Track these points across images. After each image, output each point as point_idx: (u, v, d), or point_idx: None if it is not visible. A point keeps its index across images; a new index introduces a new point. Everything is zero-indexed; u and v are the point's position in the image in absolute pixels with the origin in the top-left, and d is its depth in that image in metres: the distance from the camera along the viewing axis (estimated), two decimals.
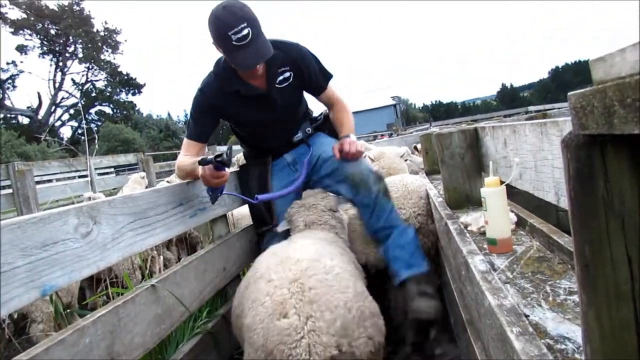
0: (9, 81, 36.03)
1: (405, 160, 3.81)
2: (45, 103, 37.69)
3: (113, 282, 2.97)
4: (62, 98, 39.13)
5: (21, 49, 35.71)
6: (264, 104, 2.23)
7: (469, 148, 2.20)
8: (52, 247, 1.12)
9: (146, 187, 5.64)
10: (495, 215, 1.46)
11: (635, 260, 0.55)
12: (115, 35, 39.09)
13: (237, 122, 2.41)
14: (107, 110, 42.07)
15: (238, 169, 2.61)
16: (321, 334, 1.24)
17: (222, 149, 11.19)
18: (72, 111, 39.04)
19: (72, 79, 39.66)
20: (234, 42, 1.89)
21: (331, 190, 2.35)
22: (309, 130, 2.49)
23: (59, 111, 39.26)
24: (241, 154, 7.27)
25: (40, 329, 2.52)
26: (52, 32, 36.52)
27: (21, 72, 36.68)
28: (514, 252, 1.45)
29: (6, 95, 35.45)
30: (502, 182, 1.51)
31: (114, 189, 7.49)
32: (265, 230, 2.41)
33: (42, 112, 37.48)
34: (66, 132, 41.84)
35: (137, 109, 42.67)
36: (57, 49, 37.22)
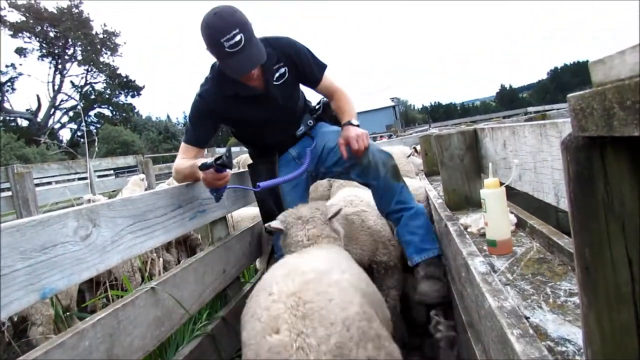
0: (8, 84, 35.99)
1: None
2: (45, 105, 37.72)
3: (113, 284, 2.96)
4: (62, 100, 39.13)
5: (20, 51, 35.71)
6: (264, 103, 2.23)
7: (469, 149, 2.20)
8: (52, 250, 1.11)
9: (145, 190, 5.64)
10: (495, 216, 1.46)
11: (636, 263, 0.55)
12: (114, 38, 39.10)
13: (238, 124, 2.41)
14: (107, 112, 42.08)
15: (239, 170, 2.61)
16: (310, 351, 1.14)
17: (221, 150, 11.22)
18: (71, 113, 39.00)
19: (71, 82, 39.68)
20: (226, 49, 1.87)
21: (342, 178, 2.46)
22: (310, 123, 2.49)
23: (58, 113, 39.26)
24: (242, 156, 7.26)
25: (40, 331, 2.52)
26: (51, 34, 36.50)
27: (20, 74, 36.64)
28: (514, 253, 1.45)
29: (5, 98, 35.45)
30: (501, 184, 1.51)
31: (113, 191, 7.48)
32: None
33: (41, 115, 37.48)
34: (65, 135, 41.85)
35: (136, 111, 42.65)
36: (56, 51, 37.21)
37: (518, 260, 1.39)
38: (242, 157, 6.79)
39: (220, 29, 1.86)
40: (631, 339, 0.56)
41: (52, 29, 36.18)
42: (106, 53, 39.32)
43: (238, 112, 2.25)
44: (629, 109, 0.46)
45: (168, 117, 52.18)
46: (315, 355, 1.13)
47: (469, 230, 1.79)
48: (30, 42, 35.95)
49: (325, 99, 2.56)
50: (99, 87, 40.91)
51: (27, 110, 37.08)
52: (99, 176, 8.16)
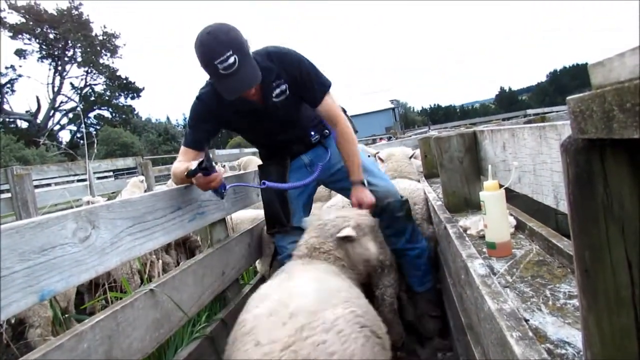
0: (8, 85, 35.95)
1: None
2: (44, 107, 37.70)
3: (111, 286, 2.96)
4: (61, 102, 39.12)
5: (20, 53, 35.70)
6: (264, 117, 2.20)
7: (468, 152, 2.20)
8: (51, 252, 1.11)
9: (145, 191, 5.64)
10: (495, 218, 1.46)
11: (636, 266, 0.55)
12: (114, 39, 39.11)
13: (239, 130, 2.40)
14: (106, 114, 42.08)
15: (239, 172, 2.61)
16: None
17: (220, 152, 11.21)
18: (70, 115, 38.98)
19: (71, 83, 39.67)
20: (220, 71, 1.84)
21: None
22: (327, 132, 2.45)
23: (58, 115, 39.22)
24: (243, 158, 7.23)
25: (38, 333, 2.51)
26: (51, 36, 36.51)
27: (20, 76, 36.61)
28: (513, 255, 1.45)
29: (5, 100, 35.40)
30: (501, 186, 1.51)
31: (112, 192, 7.49)
32: (276, 231, 2.40)
33: (40, 116, 37.46)
34: (65, 136, 41.89)
35: (136, 112, 42.64)
36: (55, 53, 37.22)
37: (517, 262, 1.39)
38: (243, 160, 6.80)
39: (213, 50, 1.83)
40: (631, 341, 0.56)
41: (52, 31, 36.20)
42: (106, 55, 39.36)
43: (237, 121, 2.23)
44: (629, 111, 0.46)
45: (168, 118, 52.29)
46: None
47: (468, 232, 1.79)
48: (30, 44, 35.99)
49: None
50: (99, 88, 40.97)
51: (26, 111, 37.08)
52: (98, 178, 8.16)
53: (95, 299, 2.65)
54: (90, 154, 7.47)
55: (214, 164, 1.83)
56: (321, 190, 3.41)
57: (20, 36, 34.80)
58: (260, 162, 2.65)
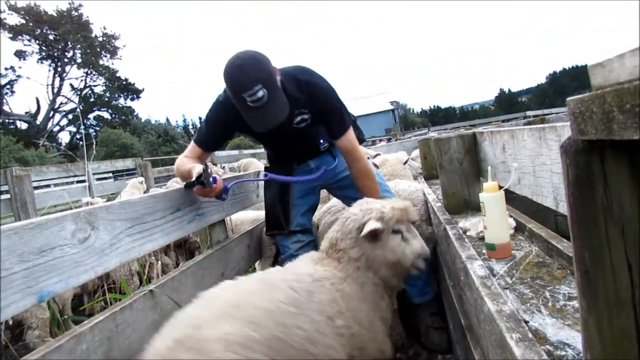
0: (8, 86, 35.95)
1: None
2: (44, 108, 37.68)
3: (111, 287, 2.96)
4: (61, 103, 39.11)
5: (20, 54, 35.70)
6: (281, 134, 2.18)
7: (468, 153, 2.20)
8: (50, 253, 1.11)
9: (144, 192, 5.63)
10: (494, 220, 1.46)
11: (635, 267, 0.55)
12: (113, 41, 39.14)
13: (252, 135, 2.40)
14: (106, 115, 42.06)
15: (239, 173, 2.61)
16: None
17: (220, 153, 11.19)
18: (70, 116, 38.95)
19: (71, 84, 39.67)
20: (248, 103, 1.83)
21: None
22: None
23: (57, 116, 39.19)
24: (243, 160, 7.23)
25: (36, 335, 2.51)
26: (51, 37, 36.52)
27: (20, 77, 36.60)
28: (513, 257, 1.45)
29: (4, 101, 35.39)
30: (500, 187, 1.51)
31: (112, 194, 7.49)
32: (275, 233, 2.43)
33: (40, 118, 37.45)
34: (64, 138, 41.97)
35: (135, 114, 42.63)
36: (55, 54, 37.22)
37: (517, 264, 1.39)
38: (242, 161, 6.80)
39: (242, 84, 1.82)
40: (631, 343, 0.56)
41: (52, 32, 36.22)
42: (106, 56, 39.38)
43: (253, 132, 2.20)
44: (629, 112, 0.46)
45: (167, 120, 52.31)
46: None
47: (468, 233, 1.79)
48: (29, 45, 36.00)
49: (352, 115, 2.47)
50: (99, 90, 40.97)
51: (26, 112, 37.04)
52: (98, 179, 8.16)
53: (94, 300, 2.65)
54: (89, 155, 7.47)
55: (212, 178, 1.83)
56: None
57: (20, 37, 34.83)
58: (259, 164, 2.66)
